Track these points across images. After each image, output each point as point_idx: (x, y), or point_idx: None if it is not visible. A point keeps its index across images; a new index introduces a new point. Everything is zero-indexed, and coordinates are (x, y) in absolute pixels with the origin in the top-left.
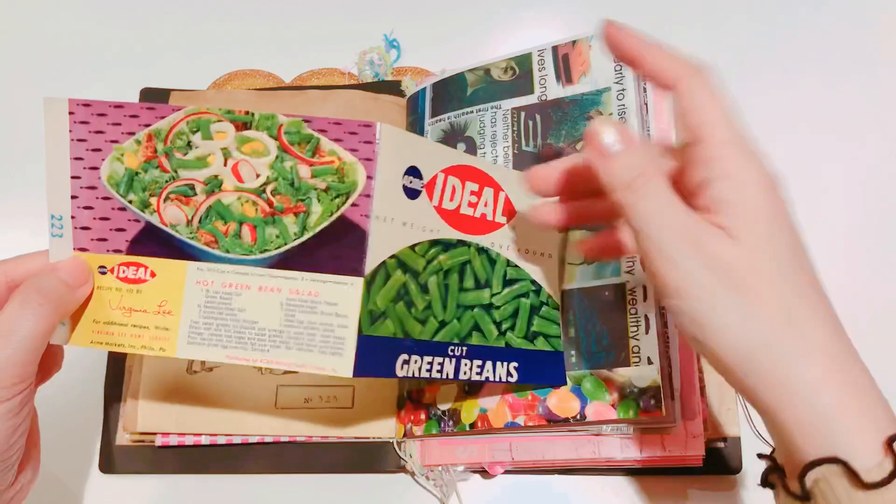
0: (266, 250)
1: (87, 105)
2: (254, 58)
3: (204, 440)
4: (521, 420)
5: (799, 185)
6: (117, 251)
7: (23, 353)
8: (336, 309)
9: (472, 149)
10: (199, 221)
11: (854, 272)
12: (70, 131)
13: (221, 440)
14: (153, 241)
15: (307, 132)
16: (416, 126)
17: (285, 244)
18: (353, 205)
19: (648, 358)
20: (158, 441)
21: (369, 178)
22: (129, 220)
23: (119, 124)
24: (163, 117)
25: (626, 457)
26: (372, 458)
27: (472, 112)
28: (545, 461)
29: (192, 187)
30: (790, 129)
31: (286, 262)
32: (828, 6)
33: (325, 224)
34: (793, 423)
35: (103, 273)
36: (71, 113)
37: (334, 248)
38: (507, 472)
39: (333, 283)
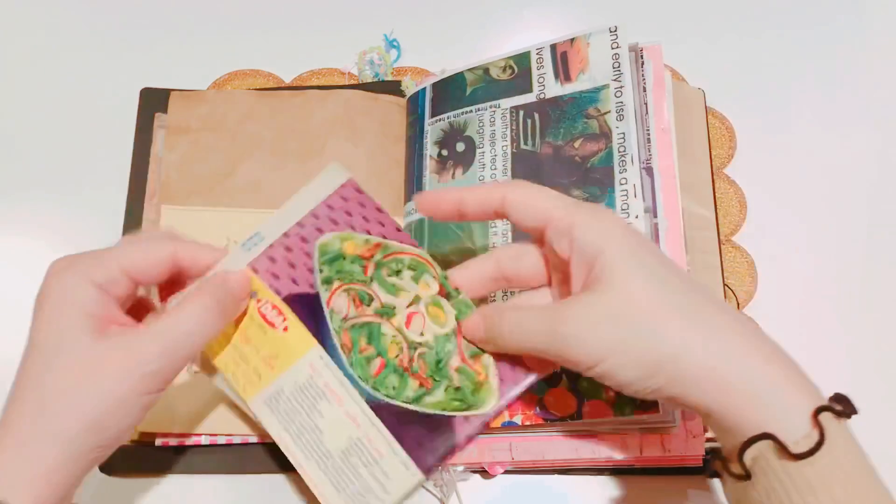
0: (377, 389)
1: (358, 191)
2: (254, 58)
3: (204, 440)
4: (518, 419)
5: (807, 186)
6: (277, 292)
7: (190, 358)
8: (386, 483)
9: (471, 148)
10: (351, 326)
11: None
12: (330, 196)
13: (221, 440)
14: (308, 310)
15: (479, 349)
16: (416, 126)
17: (394, 400)
18: (466, 418)
19: None
20: (159, 441)
21: (498, 413)
22: (308, 282)
23: (366, 220)
24: (400, 241)
25: (626, 457)
26: None
27: (471, 111)
28: (545, 461)
29: (371, 299)
30: (792, 131)
31: (382, 410)
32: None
33: (435, 413)
34: (729, 412)
35: (251, 297)
36: (342, 186)
37: (425, 435)
38: (506, 472)
39: (400, 462)
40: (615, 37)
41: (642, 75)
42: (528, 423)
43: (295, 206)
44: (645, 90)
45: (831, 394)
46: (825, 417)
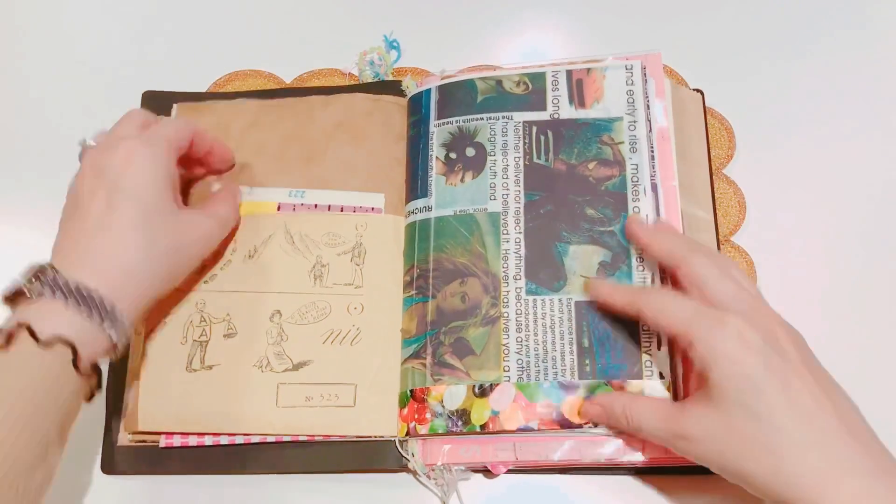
0: None
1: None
2: (254, 58)
3: (207, 441)
4: (534, 424)
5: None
6: None
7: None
8: None
9: (482, 154)
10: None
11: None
12: (357, 208)
13: (224, 440)
14: None
15: None
16: (418, 126)
17: None
18: None
19: (660, 373)
20: (162, 442)
21: None
22: None
23: None
24: None
25: (629, 458)
26: (374, 457)
27: (482, 119)
28: (548, 461)
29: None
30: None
31: None
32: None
33: None
34: None
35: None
36: (370, 208)
37: None
38: (509, 471)
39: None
40: (630, 74)
41: (646, 92)
42: (543, 427)
43: (332, 196)
44: (649, 117)
45: None
46: None
